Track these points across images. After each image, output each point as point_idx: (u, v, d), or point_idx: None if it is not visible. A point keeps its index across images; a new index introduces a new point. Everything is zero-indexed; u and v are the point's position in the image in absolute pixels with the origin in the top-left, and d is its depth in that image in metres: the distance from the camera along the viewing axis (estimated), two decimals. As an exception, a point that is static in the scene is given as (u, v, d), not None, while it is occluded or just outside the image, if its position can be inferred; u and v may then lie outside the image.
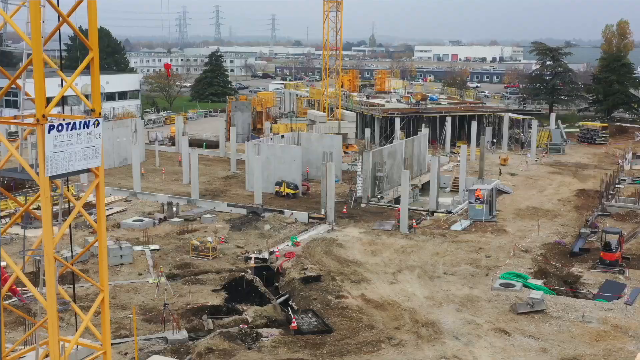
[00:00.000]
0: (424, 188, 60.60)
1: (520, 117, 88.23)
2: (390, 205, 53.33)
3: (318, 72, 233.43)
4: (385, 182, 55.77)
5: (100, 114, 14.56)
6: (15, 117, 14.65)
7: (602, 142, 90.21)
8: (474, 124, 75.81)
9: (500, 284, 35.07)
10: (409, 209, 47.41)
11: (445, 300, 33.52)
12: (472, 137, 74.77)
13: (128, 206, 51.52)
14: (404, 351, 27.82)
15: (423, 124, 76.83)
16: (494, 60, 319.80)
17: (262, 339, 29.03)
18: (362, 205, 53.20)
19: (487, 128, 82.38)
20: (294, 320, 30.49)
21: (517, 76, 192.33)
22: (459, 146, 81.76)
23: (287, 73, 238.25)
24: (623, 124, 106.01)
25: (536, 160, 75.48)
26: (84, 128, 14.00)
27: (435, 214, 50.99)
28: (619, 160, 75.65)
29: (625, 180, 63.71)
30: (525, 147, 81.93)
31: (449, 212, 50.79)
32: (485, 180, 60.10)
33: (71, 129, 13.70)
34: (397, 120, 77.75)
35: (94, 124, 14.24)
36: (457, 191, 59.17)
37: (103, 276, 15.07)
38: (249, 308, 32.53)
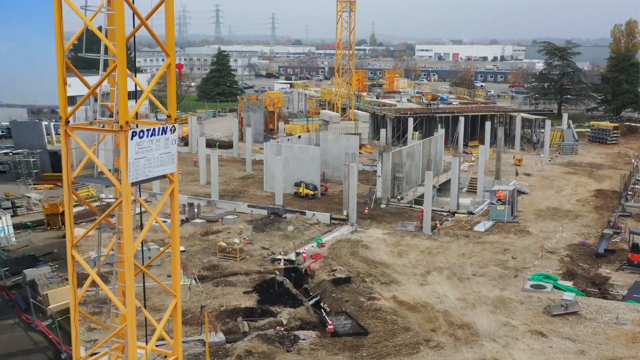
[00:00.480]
0: (440, 189, 60.70)
1: (533, 117, 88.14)
2: (410, 206, 53.33)
3: (322, 72, 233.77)
4: (405, 182, 55.72)
5: (175, 119, 14.54)
6: (91, 123, 14.63)
7: (614, 142, 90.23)
8: (488, 124, 75.78)
9: (531, 286, 35.07)
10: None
11: (477, 301, 33.51)
12: (486, 137, 74.75)
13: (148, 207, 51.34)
14: (443, 353, 27.82)
15: (439, 125, 76.75)
16: (495, 59, 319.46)
17: (299, 341, 29.02)
18: (382, 205, 53.16)
19: (499, 128, 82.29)
20: (330, 322, 30.47)
21: (522, 75, 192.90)
22: (472, 146, 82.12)
23: (291, 72, 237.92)
24: (633, 124, 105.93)
25: (550, 160, 75.46)
26: (162, 134, 13.98)
27: (456, 214, 50.98)
28: (633, 161, 75.69)
29: (638, 180, 63.67)
30: (538, 147, 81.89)
31: (470, 213, 50.78)
32: (503, 180, 60.16)
33: (151, 135, 13.69)
34: (411, 121, 77.71)
35: (170, 130, 14.23)
36: (474, 191, 59.23)
37: (176, 281, 15.06)
38: (283, 310, 32.48)
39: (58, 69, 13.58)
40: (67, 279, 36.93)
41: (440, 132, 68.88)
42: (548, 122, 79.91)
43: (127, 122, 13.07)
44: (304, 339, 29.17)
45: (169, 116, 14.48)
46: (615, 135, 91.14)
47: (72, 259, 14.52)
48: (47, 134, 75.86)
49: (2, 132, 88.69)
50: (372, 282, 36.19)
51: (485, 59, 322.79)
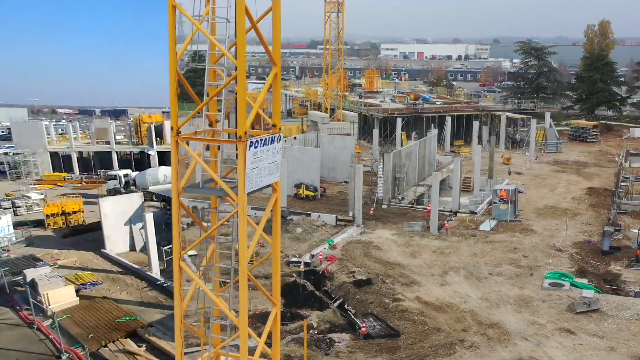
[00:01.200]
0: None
1: (518, 116, 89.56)
2: (412, 206, 53.81)
3: (292, 71, 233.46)
4: (405, 183, 56.17)
5: (280, 129, 14.52)
6: (195, 133, 14.54)
7: (594, 140, 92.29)
8: (476, 124, 76.79)
9: (549, 284, 35.73)
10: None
11: (500, 301, 34.03)
12: (474, 137, 75.74)
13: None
14: (479, 353, 28.19)
15: (432, 125, 77.43)
16: (459, 57, 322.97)
17: (335, 344, 29.11)
18: (384, 206, 53.53)
19: (484, 127, 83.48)
20: (363, 324, 30.61)
21: (493, 74, 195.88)
22: (457, 145, 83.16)
23: (261, 72, 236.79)
24: (608, 122, 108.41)
25: (536, 159, 76.80)
26: (271, 144, 13.96)
27: (458, 214, 51.61)
28: (616, 158, 77.51)
29: (628, 178, 65.19)
30: (524, 146, 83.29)
31: (473, 213, 51.47)
32: (497, 179, 61.15)
33: (263, 145, 13.67)
34: (399, 121, 78.26)
35: (277, 139, 14.21)
36: (466, 191, 59.90)
37: (276, 290, 15.04)
38: (311, 313, 32.51)
39: (170, 80, 13.47)
40: (66, 279, 37.10)
41: (433, 132, 69.51)
42: (534, 122, 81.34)
43: (245, 133, 13.02)
44: (339, 342, 29.27)
45: (274, 125, 14.44)
46: (595, 133, 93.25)
47: (179, 270, 14.41)
48: (47, 134, 76.64)
49: (2, 132, 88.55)
50: (393, 283, 36.44)
51: (449, 57, 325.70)
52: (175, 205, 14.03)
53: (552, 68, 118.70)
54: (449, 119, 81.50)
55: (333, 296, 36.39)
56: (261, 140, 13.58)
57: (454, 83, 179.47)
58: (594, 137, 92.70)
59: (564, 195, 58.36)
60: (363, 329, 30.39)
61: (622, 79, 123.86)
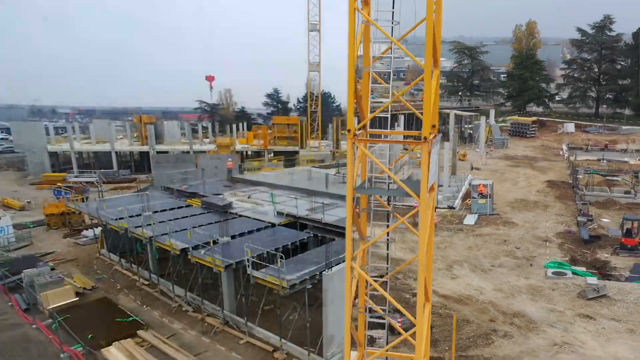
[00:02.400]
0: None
1: (466, 113, 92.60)
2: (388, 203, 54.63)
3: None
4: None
5: (437, 128, 14.82)
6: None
7: (532, 135, 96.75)
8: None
9: (553, 273, 37.47)
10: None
11: (513, 291, 35.39)
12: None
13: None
14: (515, 341, 29.28)
15: (396, 123, 78.73)
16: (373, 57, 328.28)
17: (377, 340, 29.43)
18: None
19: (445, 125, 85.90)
20: (399, 320, 31.07)
21: (419, 73, 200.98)
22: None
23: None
24: (540, 118, 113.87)
25: (487, 155, 79.78)
26: (436, 144, 14.26)
27: (437, 209, 53.00)
28: (560, 152, 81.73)
29: (578, 170, 68.97)
30: (473, 143, 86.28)
31: (451, 208, 53.01)
32: (460, 176, 63.21)
33: (435, 145, 13.94)
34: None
35: (439, 140, 14.51)
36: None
37: (428, 287, 15.33)
38: (339, 312, 32.70)
39: (349, 82, 13.50)
40: (65, 279, 36.31)
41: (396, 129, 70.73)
42: (483, 119, 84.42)
43: (431, 133, 13.25)
44: (379, 338, 29.61)
45: (433, 126, 14.70)
46: (533, 129, 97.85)
47: (350, 271, 14.46)
48: (47, 134, 76.22)
49: (2, 132, 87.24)
50: (405, 278, 37.15)
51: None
52: (349, 205, 14.08)
53: (485, 67, 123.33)
54: (401, 117, 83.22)
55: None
56: (436, 140, 13.86)
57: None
58: (532, 132, 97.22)
59: (528, 189, 61.05)
60: (399, 324, 30.85)
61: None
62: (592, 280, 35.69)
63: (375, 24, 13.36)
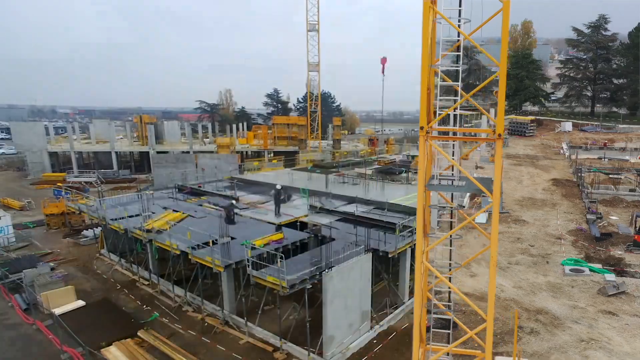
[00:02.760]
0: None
1: (467, 112, 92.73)
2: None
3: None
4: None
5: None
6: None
7: (531, 134, 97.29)
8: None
9: (570, 270, 37.77)
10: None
11: (533, 288, 35.65)
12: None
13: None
14: (542, 338, 29.49)
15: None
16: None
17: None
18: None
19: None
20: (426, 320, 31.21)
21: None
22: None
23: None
24: (537, 117, 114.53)
25: (488, 152, 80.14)
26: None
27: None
28: (561, 151, 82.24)
29: (581, 169, 69.48)
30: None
31: (461, 206, 53.16)
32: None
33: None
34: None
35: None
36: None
37: (492, 280, 15.46)
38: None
39: (422, 79, 13.58)
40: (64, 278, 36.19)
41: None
42: (485, 118, 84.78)
43: (504, 131, 13.39)
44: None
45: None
46: (532, 128, 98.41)
47: (420, 266, 14.56)
48: (47, 134, 75.88)
49: (2, 132, 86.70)
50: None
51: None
52: (420, 201, 14.18)
53: (481, 66, 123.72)
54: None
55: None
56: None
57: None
58: (531, 131, 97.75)
59: (534, 187, 61.45)
60: (427, 323, 31.00)
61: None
62: (611, 277, 36.04)
63: (448, 20, 13.45)
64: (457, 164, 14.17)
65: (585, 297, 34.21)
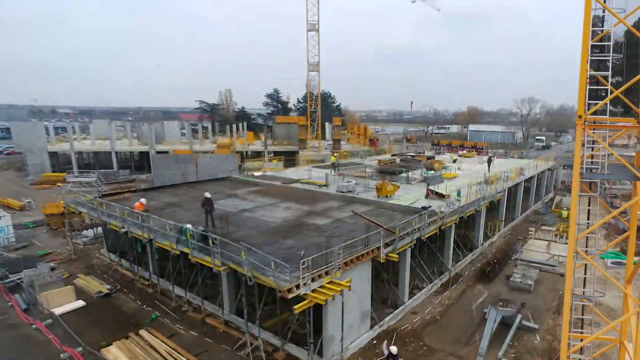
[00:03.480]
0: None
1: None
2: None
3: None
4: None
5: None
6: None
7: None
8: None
9: (612, 263, 37.59)
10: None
11: (579, 281, 35.26)
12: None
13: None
14: (603, 329, 29.09)
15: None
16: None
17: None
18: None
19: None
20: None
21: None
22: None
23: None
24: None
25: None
26: None
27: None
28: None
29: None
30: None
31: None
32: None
33: None
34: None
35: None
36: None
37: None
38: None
39: (581, 67, 13.29)
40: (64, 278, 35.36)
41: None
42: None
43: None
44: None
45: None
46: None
47: (572, 254, 14.11)
48: (47, 134, 75.41)
49: (2, 132, 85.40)
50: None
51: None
52: (575, 188, 13.88)
53: None
54: None
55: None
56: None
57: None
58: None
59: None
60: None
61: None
62: (655, 268, 35.84)
63: (607, 7, 13.09)
64: (615, 153, 13.76)
65: (635, 288, 34.03)
